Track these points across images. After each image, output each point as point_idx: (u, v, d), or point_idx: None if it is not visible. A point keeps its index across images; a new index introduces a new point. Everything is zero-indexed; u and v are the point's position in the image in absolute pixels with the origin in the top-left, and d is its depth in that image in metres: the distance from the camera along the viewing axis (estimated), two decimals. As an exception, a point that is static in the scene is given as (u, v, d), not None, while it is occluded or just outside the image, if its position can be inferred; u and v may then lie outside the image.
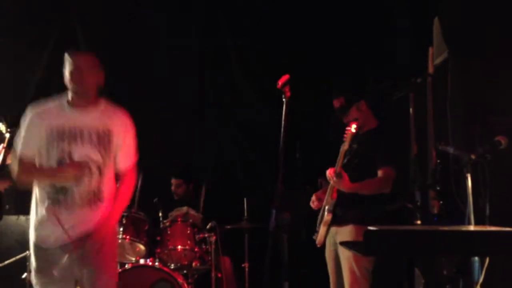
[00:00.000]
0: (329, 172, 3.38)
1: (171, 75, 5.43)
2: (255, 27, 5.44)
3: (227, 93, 5.57)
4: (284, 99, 2.82)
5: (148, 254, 4.37)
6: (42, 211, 2.83)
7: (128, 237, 4.26)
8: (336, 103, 3.62)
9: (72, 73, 2.81)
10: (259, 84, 5.31)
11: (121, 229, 4.23)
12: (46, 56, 5.33)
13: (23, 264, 4.18)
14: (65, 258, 2.79)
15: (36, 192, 2.88)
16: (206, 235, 4.41)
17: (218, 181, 5.38)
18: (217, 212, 4.70)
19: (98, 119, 2.87)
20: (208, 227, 4.46)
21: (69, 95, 2.87)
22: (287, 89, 2.79)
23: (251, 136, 5.45)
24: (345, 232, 3.37)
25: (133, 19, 5.42)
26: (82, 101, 2.86)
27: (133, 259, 4.36)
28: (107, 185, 2.91)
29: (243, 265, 4.63)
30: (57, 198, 2.80)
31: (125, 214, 4.26)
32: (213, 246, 4.35)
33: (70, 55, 2.86)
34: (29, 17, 5.41)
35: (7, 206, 4.60)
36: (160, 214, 4.63)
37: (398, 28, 4.89)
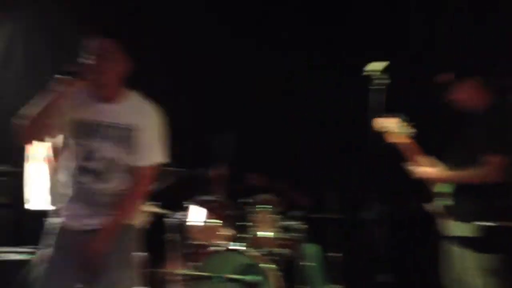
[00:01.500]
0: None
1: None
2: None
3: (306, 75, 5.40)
4: (373, 86, 2.69)
5: (236, 239, 4.41)
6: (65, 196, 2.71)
7: (215, 221, 4.33)
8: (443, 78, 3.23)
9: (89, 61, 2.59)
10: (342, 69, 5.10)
11: (208, 213, 4.32)
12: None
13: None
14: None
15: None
16: (293, 222, 4.37)
17: (299, 170, 5.22)
18: (300, 201, 4.66)
19: (122, 113, 2.64)
20: (294, 215, 4.43)
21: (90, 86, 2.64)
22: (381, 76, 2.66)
23: (332, 123, 5.27)
24: (461, 227, 3.07)
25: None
26: (103, 92, 2.64)
27: (221, 243, 4.42)
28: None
29: (330, 254, 4.55)
30: (78, 192, 2.65)
31: (212, 198, 4.35)
32: (300, 234, 4.31)
33: (88, 41, 2.61)
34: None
35: None
36: (246, 200, 4.63)
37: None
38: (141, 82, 2.70)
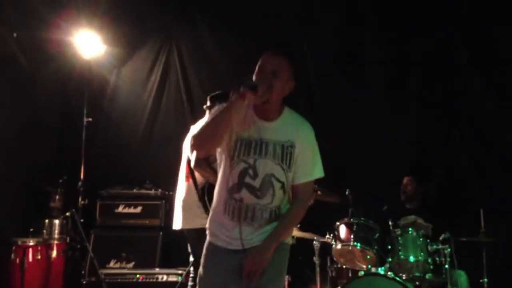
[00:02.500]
0: None
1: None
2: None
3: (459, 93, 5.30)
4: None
5: (379, 262, 4.35)
6: (218, 213, 2.68)
7: (358, 244, 4.30)
8: None
9: (257, 74, 2.59)
10: (490, 80, 4.98)
11: (352, 236, 4.31)
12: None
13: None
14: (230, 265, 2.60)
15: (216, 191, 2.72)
16: (440, 247, 4.23)
17: (449, 188, 5.14)
18: (446, 223, 4.50)
19: (281, 130, 2.62)
20: (441, 238, 4.29)
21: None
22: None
23: (485, 139, 5.12)
24: None
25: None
26: (266, 109, 2.62)
27: (364, 266, 4.38)
28: (287, 204, 2.69)
29: (481, 280, 4.34)
30: (233, 209, 2.61)
31: (355, 221, 4.35)
32: (447, 259, 4.17)
33: (264, 54, 2.63)
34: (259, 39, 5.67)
35: None
36: (390, 223, 4.57)
37: None
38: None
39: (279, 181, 2.59)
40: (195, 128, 4.01)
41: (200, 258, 3.21)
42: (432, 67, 5.38)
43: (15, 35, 5.23)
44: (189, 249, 4.17)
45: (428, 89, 5.40)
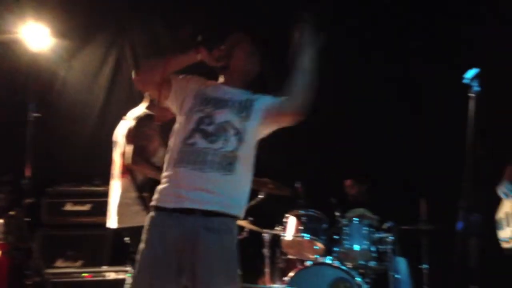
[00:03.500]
0: None
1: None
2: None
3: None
4: (472, 93, 2.79)
5: (327, 252, 4.51)
6: (165, 170, 2.64)
7: (307, 235, 4.45)
8: None
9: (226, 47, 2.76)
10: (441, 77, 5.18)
11: (301, 227, 4.45)
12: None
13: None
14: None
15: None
16: (383, 235, 4.44)
17: (393, 180, 5.35)
18: (392, 213, 4.69)
19: (242, 93, 2.76)
20: (385, 227, 4.50)
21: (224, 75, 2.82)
22: (475, 83, 2.77)
23: (428, 132, 5.35)
24: None
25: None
26: (229, 79, 2.80)
27: (312, 257, 4.53)
28: (245, 156, 2.64)
29: (421, 267, 4.58)
30: (183, 155, 2.58)
31: (304, 213, 4.49)
32: (390, 247, 4.38)
33: (234, 33, 2.83)
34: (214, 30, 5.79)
35: None
36: (337, 214, 4.74)
37: None
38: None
39: (233, 127, 2.61)
40: (125, 122, 3.95)
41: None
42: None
43: None
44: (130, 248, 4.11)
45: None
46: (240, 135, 2.61)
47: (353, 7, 5.63)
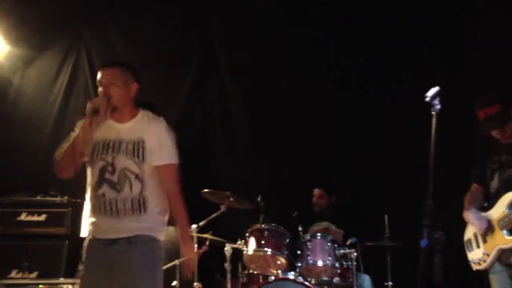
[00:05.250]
0: None
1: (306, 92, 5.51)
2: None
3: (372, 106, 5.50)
4: (432, 112, 2.74)
5: (289, 267, 4.42)
6: (91, 215, 3.00)
7: (269, 250, 4.35)
8: (490, 111, 3.40)
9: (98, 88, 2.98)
10: (403, 96, 5.18)
11: (263, 242, 4.35)
12: (189, 79, 5.65)
13: (172, 272, 4.42)
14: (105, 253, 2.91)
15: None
16: (346, 251, 4.36)
17: (356, 196, 5.31)
18: (356, 229, 4.65)
19: (132, 130, 2.98)
20: (348, 243, 4.42)
21: None
22: (436, 101, 2.73)
23: (391, 150, 5.30)
24: None
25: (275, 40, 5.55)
26: (120, 116, 3.00)
27: (275, 272, 4.42)
28: (153, 196, 2.97)
29: (385, 283, 4.51)
30: (99, 205, 2.93)
31: (266, 227, 4.40)
32: (354, 263, 4.30)
33: (99, 70, 3.00)
34: (171, 41, 5.75)
35: None
36: (300, 228, 4.65)
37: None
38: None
39: (133, 173, 2.91)
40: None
41: None
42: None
43: None
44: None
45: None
46: (140, 177, 2.92)
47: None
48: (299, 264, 4.39)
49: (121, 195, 2.89)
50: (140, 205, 2.91)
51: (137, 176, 2.90)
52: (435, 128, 2.80)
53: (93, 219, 2.99)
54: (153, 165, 2.96)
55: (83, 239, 3.93)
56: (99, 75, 2.96)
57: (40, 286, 4.86)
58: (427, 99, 2.75)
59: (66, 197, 5.24)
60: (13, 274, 5.03)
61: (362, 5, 5.69)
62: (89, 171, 3.01)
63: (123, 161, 2.91)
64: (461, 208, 3.76)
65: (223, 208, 4.43)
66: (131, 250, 2.88)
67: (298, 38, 5.63)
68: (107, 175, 2.91)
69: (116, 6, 5.84)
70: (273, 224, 4.43)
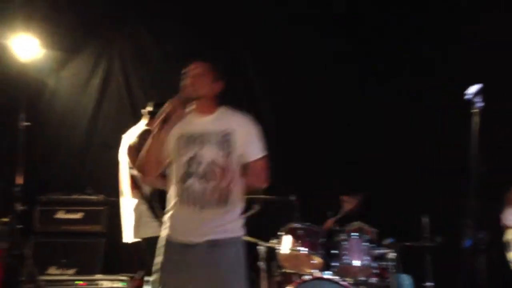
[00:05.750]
0: None
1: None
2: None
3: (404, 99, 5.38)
4: (474, 110, 2.63)
5: (325, 267, 4.35)
6: (173, 208, 2.93)
7: (304, 249, 4.29)
8: None
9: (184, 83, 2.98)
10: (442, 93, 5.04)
11: (297, 241, 4.30)
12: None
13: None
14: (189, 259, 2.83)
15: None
16: (384, 251, 4.26)
17: (394, 195, 5.18)
18: (393, 228, 4.54)
19: (217, 122, 2.95)
20: (385, 243, 4.32)
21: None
22: (478, 99, 2.62)
23: (430, 148, 5.19)
24: None
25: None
26: (201, 107, 2.98)
27: (310, 271, 4.35)
28: (237, 188, 2.92)
29: (424, 284, 4.39)
30: (185, 197, 2.86)
31: (301, 226, 4.35)
32: (392, 263, 4.20)
33: (188, 64, 3.00)
34: (200, 43, 5.72)
35: None
36: (335, 227, 4.57)
37: None
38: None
39: (219, 165, 2.85)
40: (127, 138, 3.97)
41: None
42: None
43: None
44: (138, 259, 4.08)
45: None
46: (227, 171, 2.85)
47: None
48: (335, 264, 4.32)
49: (208, 187, 2.84)
50: (225, 197, 2.86)
51: (223, 168, 2.85)
52: (476, 126, 2.68)
53: (173, 213, 2.92)
54: (247, 160, 2.93)
55: (120, 237, 4.01)
56: (187, 67, 2.98)
57: (76, 282, 4.94)
58: (468, 96, 2.63)
59: (101, 195, 5.32)
60: (51, 270, 5.14)
61: (362, 4, 5.67)
62: (173, 166, 2.95)
63: (210, 153, 2.87)
64: (503, 207, 3.64)
65: (257, 206, 4.37)
66: (215, 253, 2.82)
67: (298, 37, 5.63)
68: (194, 168, 2.86)
69: (147, 8, 5.86)
70: (307, 223, 4.38)
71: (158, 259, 2.91)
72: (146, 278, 4.01)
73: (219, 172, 2.84)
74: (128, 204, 3.98)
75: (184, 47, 5.65)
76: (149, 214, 3.82)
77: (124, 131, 4.12)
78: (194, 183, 2.85)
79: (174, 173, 2.93)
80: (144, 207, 3.85)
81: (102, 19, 5.87)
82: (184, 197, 2.87)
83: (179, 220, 2.90)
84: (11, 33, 5.36)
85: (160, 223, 3.51)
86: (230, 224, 2.90)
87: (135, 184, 3.88)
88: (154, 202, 3.83)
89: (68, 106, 5.87)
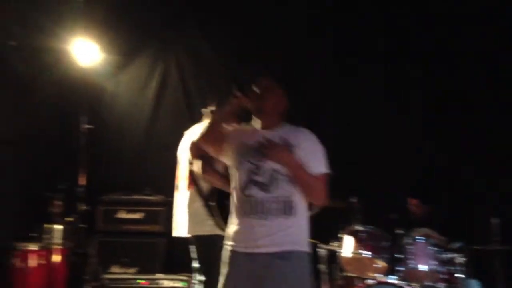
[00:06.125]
0: None
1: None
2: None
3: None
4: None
5: (389, 271, 4.22)
6: (235, 217, 2.90)
7: (367, 252, 4.20)
8: None
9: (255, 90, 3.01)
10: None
11: (360, 244, 4.21)
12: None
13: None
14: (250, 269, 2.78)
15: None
16: (452, 256, 4.08)
17: (459, 200, 4.98)
18: (460, 232, 4.37)
19: (280, 136, 2.90)
20: (454, 247, 4.13)
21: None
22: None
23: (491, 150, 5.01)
24: None
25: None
26: (266, 121, 2.97)
27: (373, 275, 4.23)
28: (301, 200, 2.86)
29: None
30: (247, 206, 2.83)
31: (363, 229, 4.25)
32: (461, 268, 4.02)
33: (255, 77, 3.01)
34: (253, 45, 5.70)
35: None
36: (400, 231, 4.41)
37: None
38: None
39: (282, 175, 2.82)
40: (189, 134, 3.94)
41: (206, 264, 3.67)
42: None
43: (13, 43, 5.22)
44: (192, 255, 4.06)
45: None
46: (289, 181, 2.81)
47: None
48: (400, 268, 4.18)
49: (270, 196, 2.80)
50: (289, 208, 2.81)
51: (286, 179, 2.82)
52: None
53: (237, 223, 2.89)
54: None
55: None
56: (258, 80, 3.00)
57: (138, 281, 5.02)
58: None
59: (160, 195, 5.39)
60: (114, 269, 5.27)
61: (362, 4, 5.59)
62: (233, 174, 2.95)
63: (272, 163, 2.83)
64: None
65: (315, 209, 4.27)
66: (281, 267, 2.75)
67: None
68: (256, 177, 2.83)
69: (201, 10, 5.90)
70: (370, 226, 4.28)
71: (224, 270, 2.87)
72: (198, 278, 3.90)
73: (282, 181, 2.80)
74: (183, 199, 3.97)
75: (239, 50, 5.65)
76: (205, 212, 3.74)
77: (181, 133, 4.11)
78: (255, 193, 2.81)
79: (235, 181, 2.92)
80: (200, 204, 3.79)
81: (158, 23, 5.96)
82: (246, 206, 2.83)
83: (242, 230, 2.85)
84: (71, 38, 5.51)
85: (216, 222, 3.54)
86: (296, 236, 2.83)
87: (193, 180, 3.85)
88: (211, 201, 3.75)
89: (127, 109, 6.01)
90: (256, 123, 2.98)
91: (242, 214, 2.85)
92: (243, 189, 2.85)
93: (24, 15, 5.28)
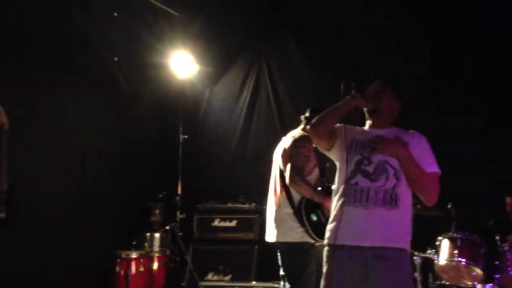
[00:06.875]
0: None
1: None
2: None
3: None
4: None
5: (486, 279, 4.11)
6: (337, 210, 2.83)
7: (464, 260, 4.09)
8: None
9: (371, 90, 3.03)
10: None
11: (456, 251, 4.10)
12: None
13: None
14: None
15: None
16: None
17: None
18: None
19: (391, 134, 2.90)
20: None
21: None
22: None
23: None
24: None
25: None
26: (378, 121, 2.98)
27: (470, 283, 4.15)
28: (405, 196, 2.79)
29: None
30: (350, 194, 2.78)
31: (459, 236, 4.15)
32: None
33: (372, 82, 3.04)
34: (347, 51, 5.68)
35: None
36: (497, 238, 4.28)
37: None
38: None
39: (392, 167, 2.79)
40: (285, 140, 3.98)
41: (291, 271, 3.69)
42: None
43: (116, 59, 5.52)
44: (279, 262, 4.12)
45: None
46: (398, 174, 2.78)
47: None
48: (498, 276, 4.07)
49: (374, 185, 2.76)
50: (392, 199, 2.74)
51: (395, 172, 2.78)
52: None
53: (337, 215, 2.81)
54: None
55: (271, 244, 4.07)
56: (374, 84, 3.05)
57: (236, 288, 5.10)
58: None
59: (253, 204, 5.51)
60: (210, 276, 5.40)
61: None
62: (341, 168, 2.93)
63: (383, 156, 2.82)
64: None
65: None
66: (383, 268, 2.67)
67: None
68: (363, 166, 2.82)
69: (292, 20, 5.95)
70: (466, 233, 4.17)
71: (324, 269, 2.81)
72: (285, 285, 3.87)
73: (389, 172, 2.77)
74: (272, 204, 3.97)
75: (332, 58, 5.66)
76: (294, 219, 3.76)
77: (272, 142, 4.18)
78: (360, 181, 2.78)
79: (343, 174, 2.88)
80: (290, 211, 3.79)
81: (249, 32, 6.09)
82: (349, 194, 2.78)
83: (343, 221, 2.77)
84: (170, 52, 5.77)
85: (304, 230, 3.63)
86: (398, 231, 2.74)
87: (284, 186, 3.85)
88: (301, 210, 3.76)
89: (221, 119, 6.19)
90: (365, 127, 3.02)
91: (344, 203, 2.78)
92: (349, 178, 2.82)
93: (129, 31, 5.53)
